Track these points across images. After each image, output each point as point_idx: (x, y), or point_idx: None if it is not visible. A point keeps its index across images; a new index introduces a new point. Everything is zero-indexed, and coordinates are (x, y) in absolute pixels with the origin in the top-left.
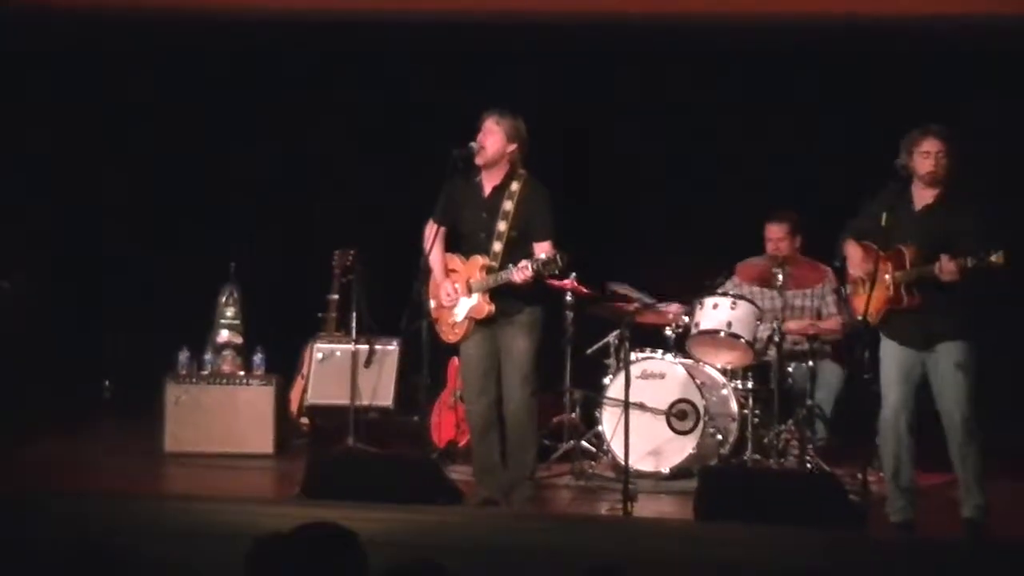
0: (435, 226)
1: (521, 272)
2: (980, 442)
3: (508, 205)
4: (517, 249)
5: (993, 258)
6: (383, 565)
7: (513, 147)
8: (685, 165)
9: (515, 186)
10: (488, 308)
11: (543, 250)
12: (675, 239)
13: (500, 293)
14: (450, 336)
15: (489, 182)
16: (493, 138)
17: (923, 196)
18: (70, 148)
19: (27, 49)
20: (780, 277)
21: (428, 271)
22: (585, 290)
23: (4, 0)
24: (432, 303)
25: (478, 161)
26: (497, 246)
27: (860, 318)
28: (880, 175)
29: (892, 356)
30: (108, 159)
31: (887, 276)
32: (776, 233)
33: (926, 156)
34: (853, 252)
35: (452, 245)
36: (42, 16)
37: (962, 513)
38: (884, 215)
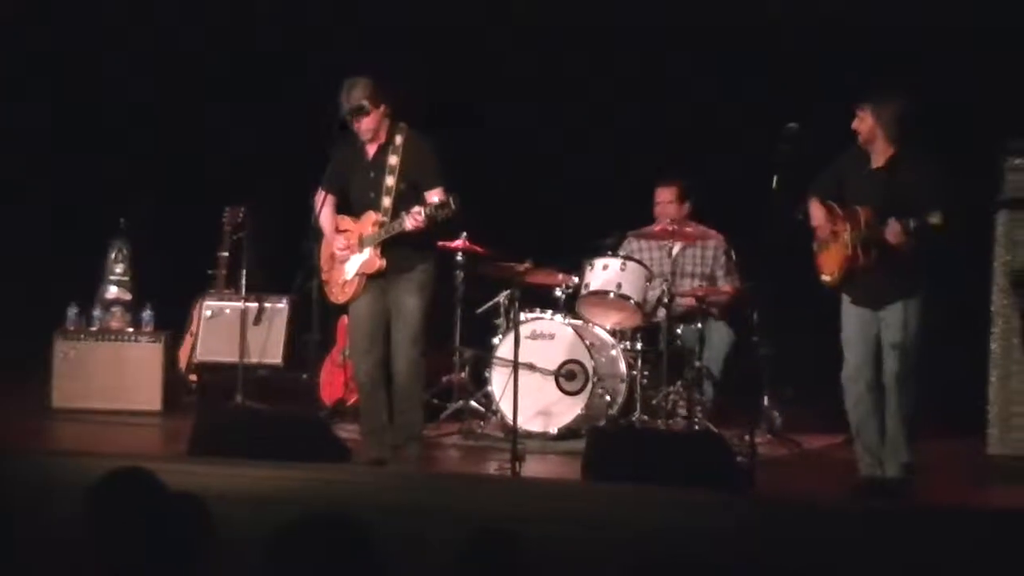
0: (324, 194)
1: (414, 218)
2: (914, 403)
3: (393, 160)
4: (407, 202)
5: (932, 219)
6: (270, 522)
7: (382, 107)
8: (579, 136)
9: (398, 140)
10: (379, 263)
11: (435, 196)
12: (568, 207)
13: (392, 248)
14: (340, 296)
15: (373, 142)
16: (366, 119)
17: (878, 156)
18: None
19: None
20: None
21: (319, 233)
22: (477, 249)
23: None
24: (324, 266)
25: (365, 139)
26: (387, 201)
27: (824, 277)
28: (769, 145)
29: (850, 315)
30: None
31: (845, 236)
32: (664, 196)
33: (859, 122)
34: (816, 212)
35: (344, 212)
36: None
37: (886, 471)
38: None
